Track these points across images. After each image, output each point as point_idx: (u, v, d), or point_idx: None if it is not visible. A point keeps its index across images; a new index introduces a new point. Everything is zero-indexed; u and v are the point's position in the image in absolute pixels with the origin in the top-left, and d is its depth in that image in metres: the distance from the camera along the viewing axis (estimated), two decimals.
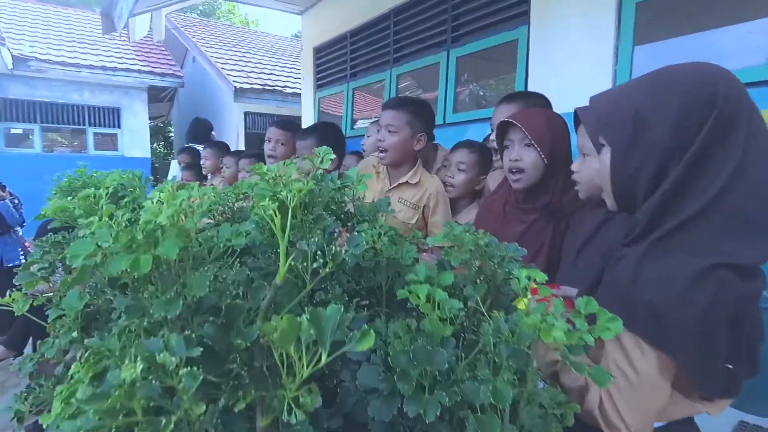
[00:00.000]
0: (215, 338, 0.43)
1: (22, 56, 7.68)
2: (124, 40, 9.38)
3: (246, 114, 9.09)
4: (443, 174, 2.00)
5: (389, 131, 1.81)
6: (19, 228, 4.61)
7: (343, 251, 0.51)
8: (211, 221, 0.90)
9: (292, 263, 0.46)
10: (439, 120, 3.47)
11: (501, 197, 1.48)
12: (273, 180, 0.57)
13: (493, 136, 1.79)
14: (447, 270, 0.65)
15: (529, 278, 0.55)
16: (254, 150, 3.26)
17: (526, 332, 0.48)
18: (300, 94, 6.08)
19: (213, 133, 5.63)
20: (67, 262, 0.41)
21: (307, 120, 5.65)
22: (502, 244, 0.65)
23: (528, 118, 1.36)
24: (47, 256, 0.70)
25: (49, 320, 0.66)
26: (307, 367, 0.38)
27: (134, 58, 9.34)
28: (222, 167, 3.48)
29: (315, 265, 0.48)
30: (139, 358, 0.38)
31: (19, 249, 4.42)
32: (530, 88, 3.04)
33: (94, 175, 2.80)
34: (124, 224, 0.47)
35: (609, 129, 0.85)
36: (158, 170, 11.55)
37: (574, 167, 1.19)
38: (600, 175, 0.91)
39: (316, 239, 0.51)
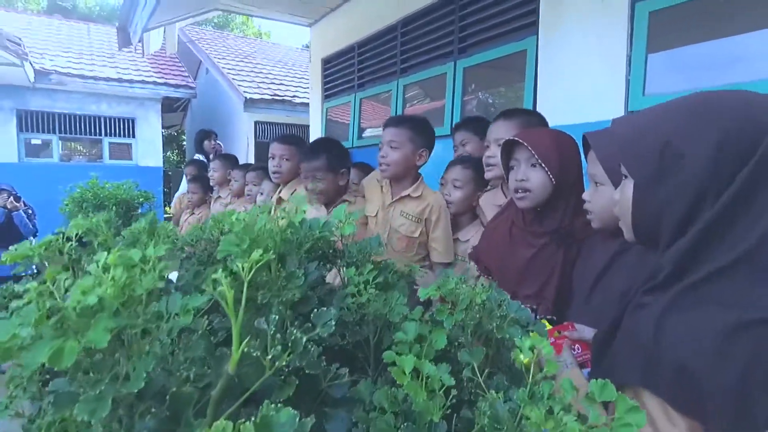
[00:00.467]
0: None
1: (44, 70, 7.87)
2: (140, 53, 9.55)
3: (256, 123, 9.14)
4: (442, 191, 2.00)
5: (391, 147, 1.85)
6: (32, 238, 4.67)
7: (303, 339, 0.44)
8: (191, 257, 0.85)
9: (246, 350, 0.39)
10: (446, 131, 3.40)
11: (506, 220, 1.40)
12: (243, 231, 0.51)
13: (489, 153, 1.71)
14: (441, 327, 0.58)
15: (533, 349, 0.47)
16: (261, 163, 3.22)
17: (529, 429, 0.40)
18: (308, 104, 6.08)
19: (214, 142, 5.56)
20: None
21: (315, 129, 5.65)
22: (504, 301, 0.57)
23: (534, 137, 1.28)
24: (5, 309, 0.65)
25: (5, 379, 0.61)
26: None
27: (149, 70, 9.48)
28: (230, 180, 3.45)
29: (272, 354, 0.41)
30: None
31: None
32: (539, 100, 2.96)
33: (106, 186, 2.76)
34: (62, 294, 0.41)
35: (633, 159, 0.75)
36: (171, 178, 11.66)
37: (585, 196, 1.11)
38: (619, 208, 0.82)
39: (277, 317, 0.44)
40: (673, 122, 0.71)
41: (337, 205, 1.62)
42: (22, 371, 0.58)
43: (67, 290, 0.43)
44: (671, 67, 2.50)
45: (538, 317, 1.18)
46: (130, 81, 8.80)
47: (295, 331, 0.44)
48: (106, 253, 0.45)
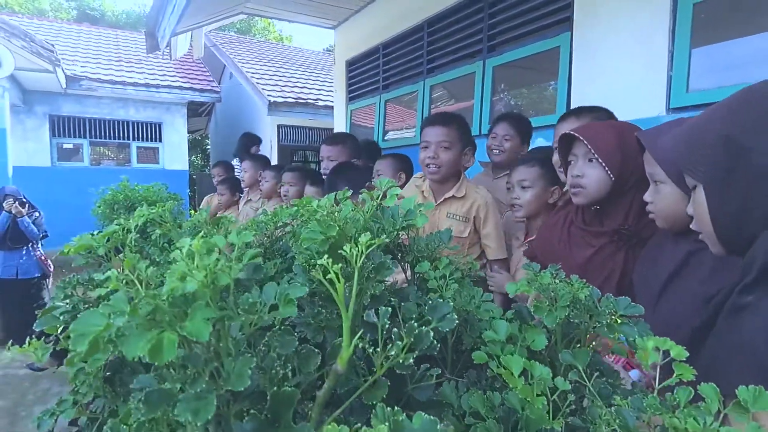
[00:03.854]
0: None
1: (75, 76, 8.09)
2: (167, 58, 9.71)
3: (279, 127, 9.21)
4: (510, 197, 1.88)
5: (443, 147, 1.80)
6: (40, 242, 4.78)
7: (431, 334, 0.40)
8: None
9: (359, 343, 0.35)
10: (474, 131, 3.33)
11: (565, 217, 1.33)
12: (325, 219, 0.47)
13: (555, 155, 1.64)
14: (532, 324, 0.53)
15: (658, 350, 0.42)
16: (297, 164, 3.22)
17: None
18: (332, 107, 6.08)
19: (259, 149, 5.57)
20: (70, 346, 0.32)
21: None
22: (609, 297, 0.52)
23: (593, 131, 1.21)
24: (70, 298, 0.63)
25: (69, 375, 0.58)
26: None
27: (175, 75, 9.67)
28: (260, 181, 3.44)
29: (393, 350, 0.37)
30: None
31: (36, 263, 4.62)
32: (574, 99, 2.87)
33: (137, 188, 2.80)
34: (146, 282, 0.37)
35: (696, 163, 0.70)
36: (195, 182, 11.86)
37: (647, 197, 1.04)
38: (697, 220, 0.76)
39: (387, 309, 0.40)
40: (730, 116, 0.66)
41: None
42: (88, 366, 0.55)
43: (147, 280, 0.40)
44: (720, 62, 2.38)
45: None
46: (157, 86, 8.99)
47: (414, 324, 0.40)
48: (189, 239, 0.41)
